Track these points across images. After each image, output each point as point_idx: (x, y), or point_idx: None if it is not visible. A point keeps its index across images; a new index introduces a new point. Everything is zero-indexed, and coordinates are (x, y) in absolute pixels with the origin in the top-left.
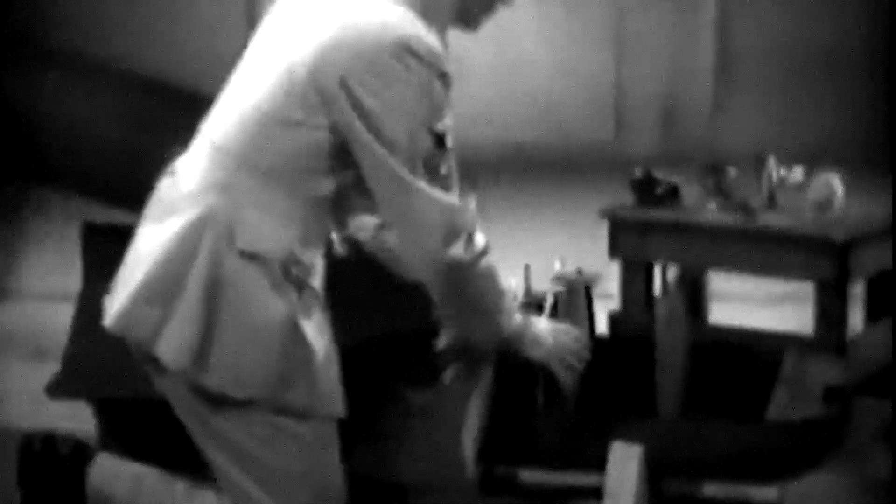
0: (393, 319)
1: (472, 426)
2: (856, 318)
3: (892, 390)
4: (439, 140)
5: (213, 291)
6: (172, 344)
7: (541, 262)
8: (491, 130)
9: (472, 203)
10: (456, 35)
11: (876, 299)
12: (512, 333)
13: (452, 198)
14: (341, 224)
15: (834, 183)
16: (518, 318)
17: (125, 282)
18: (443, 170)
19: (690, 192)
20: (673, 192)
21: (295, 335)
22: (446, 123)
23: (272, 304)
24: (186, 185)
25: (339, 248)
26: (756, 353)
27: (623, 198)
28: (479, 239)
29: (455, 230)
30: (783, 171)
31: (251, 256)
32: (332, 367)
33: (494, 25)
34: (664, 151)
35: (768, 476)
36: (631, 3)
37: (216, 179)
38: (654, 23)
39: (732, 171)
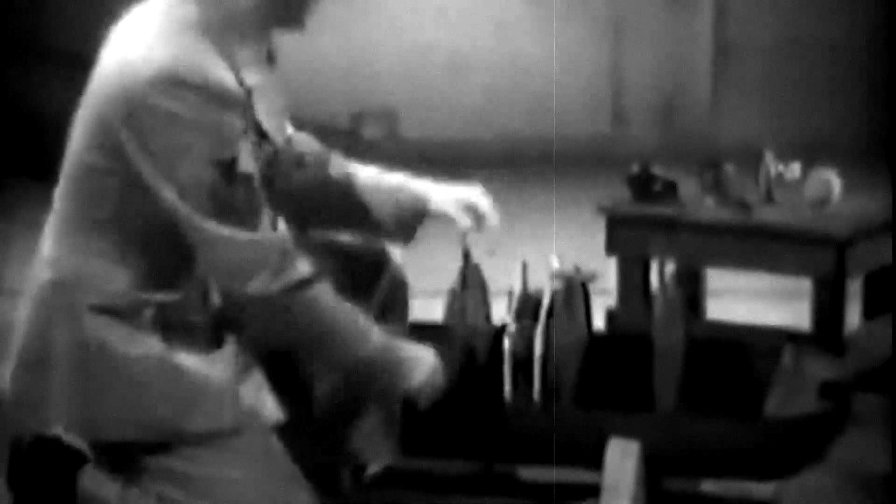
0: None
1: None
2: (853, 315)
3: (890, 386)
4: (227, 170)
5: (80, 353)
6: (60, 410)
7: (538, 259)
8: (488, 125)
9: (283, 229)
10: (454, 30)
11: (874, 295)
12: (368, 362)
13: (246, 234)
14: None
15: (832, 179)
16: (378, 342)
17: (11, 355)
18: (238, 201)
19: (688, 188)
20: (671, 189)
21: (172, 371)
22: (236, 150)
23: (138, 351)
24: (42, 254)
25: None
26: (753, 349)
27: (621, 193)
28: (296, 268)
29: (252, 266)
30: (781, 167)
31: (103, 309)
32: (249, 382)
33: (491, 20)
34: (662, 146)
35: (766, 472)
36: None
37: (59, 240)
38: (652, 18)
39: (730, 168)
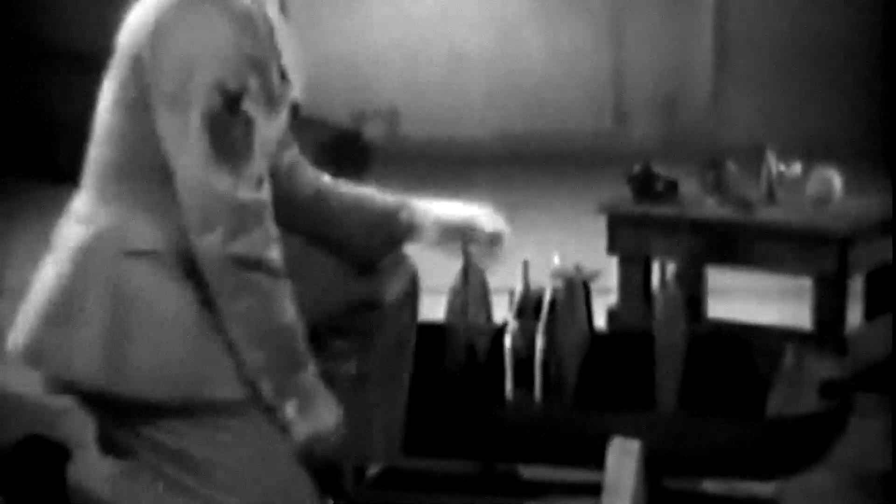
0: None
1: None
2: (855, 313)
3: (891, 385)
4: (232, 101)
5: (116, 302)
6: (81, 363)
7: (539, 257)
8: (489, 123)
9: (265, 194)
10: (454, 26)
11: (875, 294)
12: (288, 390)
13: (227, 180)
14: None
15: (833, 177)
16: (311, 376)
17: (27, 314)
18: (234, 135)
19: (689, 187)
20: (672, 188)
21: (202, 326)
22: (245, 85)
23: (172, 299)
24: (78, 210)
25: None
26: (755, 348)
27: (622, 192)
28: (257, 244)
29: (215, 217)
30: (782, 166)
31: (144, 256)
32: None
33: (493, 17)
34: (663, 144)
35: (767, 471)
36: None
37: (97, 196)
38: (653, 15)
39: (731, 166)
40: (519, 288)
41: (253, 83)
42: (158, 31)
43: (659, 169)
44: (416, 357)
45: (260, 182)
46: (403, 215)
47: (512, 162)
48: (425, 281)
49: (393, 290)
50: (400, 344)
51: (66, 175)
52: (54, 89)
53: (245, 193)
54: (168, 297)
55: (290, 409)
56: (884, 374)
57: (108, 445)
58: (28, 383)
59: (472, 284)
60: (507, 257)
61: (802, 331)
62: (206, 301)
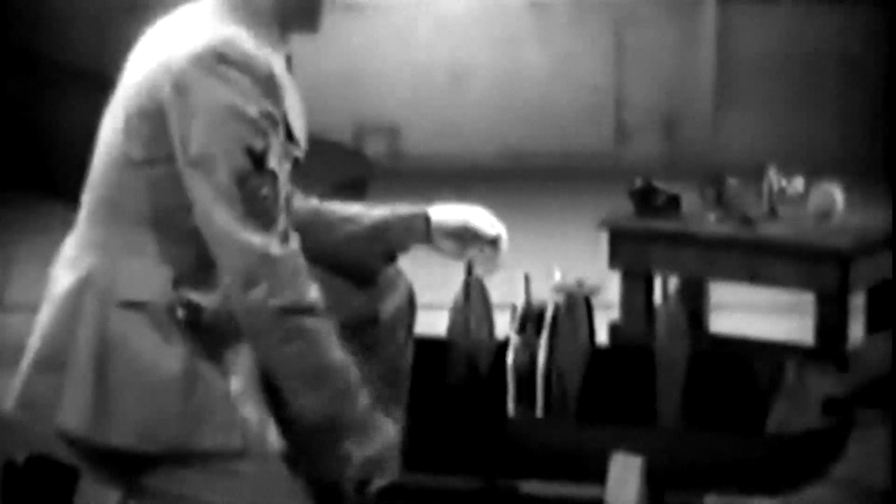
0: None
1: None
2: (856, 329)
3: (891, 401)
4: (258, 160)
5: (102, 350)
6: (70, 411)
7: (541, 272)
8: (490, 139)
9: (295, 244)
10: (456, 43)
11: (876, 310)
12: (344, 424)
13: (260, 237)
14: None
15: (834, 193)
16: (363, 406)
17: (23, 361)
18: (263, 193)
19: (691, 203)
20: (673, 203)
21: (191, 380)
22: (267, 143)
23: (164, 354)
24: (67, 252)
25: None
26: (756, 363)
27: (623, 207)
28: (301, 291)
29: (256, 274)
30: (783, 182)
31: (133, 306)
32: (254, 403)
33: (494, 34)
34: (664, 161)
35: (768, 487)
36: (631, 13)
37: (91, 238)
38: (654, 33)
39: (733, 182)
40: (520, 303)
41: (274, 140)
42: (181, 90)
43: (660, 184)
44: (417, 372)
45: (288, 233)
46: (401, 221)
47: (513, 178)
48: (426, 296)
49: (390, 305)
50: (397, 359)
51: (66, 191)
52: (56, 105)
53: (281, 248)
54: (156, 349)
55: (348, 444)
56: (884, 390)
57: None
58: None
59: (474, 299)
60: (509, 272)
61: (804, 346)
62: (195, 352)
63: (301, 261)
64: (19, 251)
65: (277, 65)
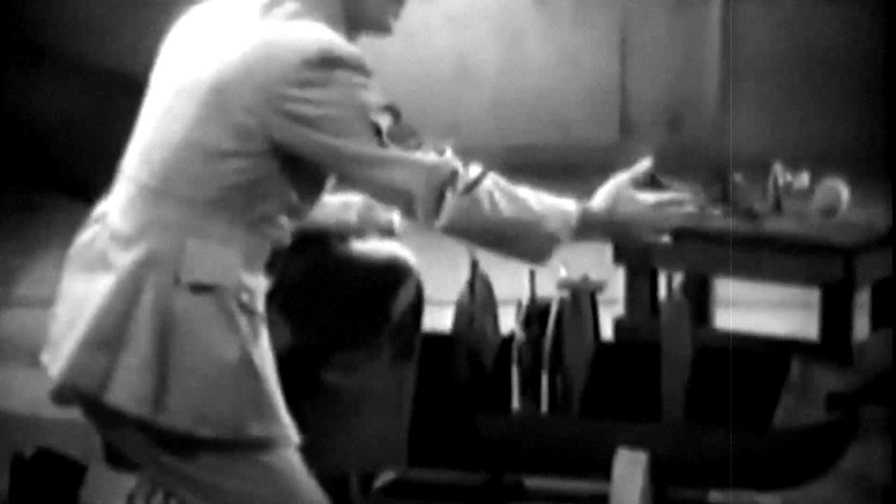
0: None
1: (406, 409)
2: (862, 325)
3: (893, 397)
4: (395, 113)
5: (164, 332)
6: (126, 390)
7: (545, 267)
8: (495, 133)
9: (448, 151)
10: (461, 38)
11: (881, 305)
12: (578, 233)
13: (427, 156)
14: (276, 242)
15: (840, 188)
16: (575, 214)
17: (65, 334)
18: (406, 134)
19: (696, 198)
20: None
21: (248, 367)
22: (381, 97)
23: (227, 338)
24: (120, 229)
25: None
26: (762, 359)
27: None
28: (471, 172)
29: (439, 186)
30: (789, 177)
31: (202, 289)
32: (279, 394)
33: (500, 29)
34: (670, 156)
35: (773, 483)
36: (637, 7)
37: (153, 218)
38: (659, 27)
39: (738, 177)
40: (525, 299)
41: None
42: (302, 87)
43: (665, 179)
44: (422, 367)
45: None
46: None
47: (518, 173)
48: (432, 292)
49: (399, 305)
50: (404, 354)
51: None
52: (61, 100)
53: (441, 157)
54: (219, 333)
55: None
56: (888, 386)
57: (116, 462)
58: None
59: (479, 295)
60: (514, 268)
61: (809, 341)
62: (249, 339)
63: (455, 158)
64: (29, 247)
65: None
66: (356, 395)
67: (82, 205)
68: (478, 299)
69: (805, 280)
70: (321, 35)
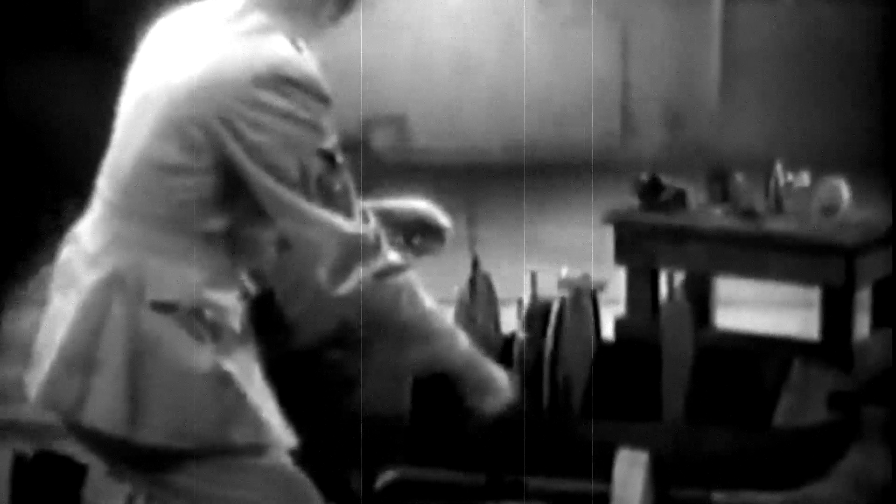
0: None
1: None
2: (863, 324)
3: (892, 396)
4: (330, 159)
5: (133, 351)
6: (101, 410)
7: (547, 267)
8: (497, 133)
9: (373, 221)
10: (462, 37)
11: (881, 305)
12: (458, 367)
13: (349, 223)
14: (254, 257)
15: (840, 188)
16: (465, 349)
17: (42, 355)
18: (337, 187)
19: (697, 197)
20: (679, 198)
21: (221, 378)
22: (333, 141)
23: (194, 351)
24: (89, 247)
25: (248, 284)
26: (762, 358)
27: (629, 202)
28: (389, 258)
29: (352, 256)
30: (789, 176)
31: (165, 307)
32: (269, 400)
33: (501, 27)
34: (670, 155)
35: (774, 482)
36: (637, 7)
37: (116, 236)
38: (660, 27)
39: (739, 177)
40: (527, 298)
41: (335, 135)
42: (237, 109)
43: (666, 179)
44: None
45: (366, 212)
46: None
47: (519, 171)
48: (432, 291)
49: None
50: (396, 352)
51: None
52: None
53: (365, 227)
54: (187, 347)
55: (467, 391)
56: (888, 385)
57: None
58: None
59: (480, 294)
60: (516, 267)
61: (810, 341)
62: (221, 351)
63: (381, 231)
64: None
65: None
66: (345, 392)
67: (84, 204)
68: (479, 298)
69: (806, 279)
70: (277, 52)
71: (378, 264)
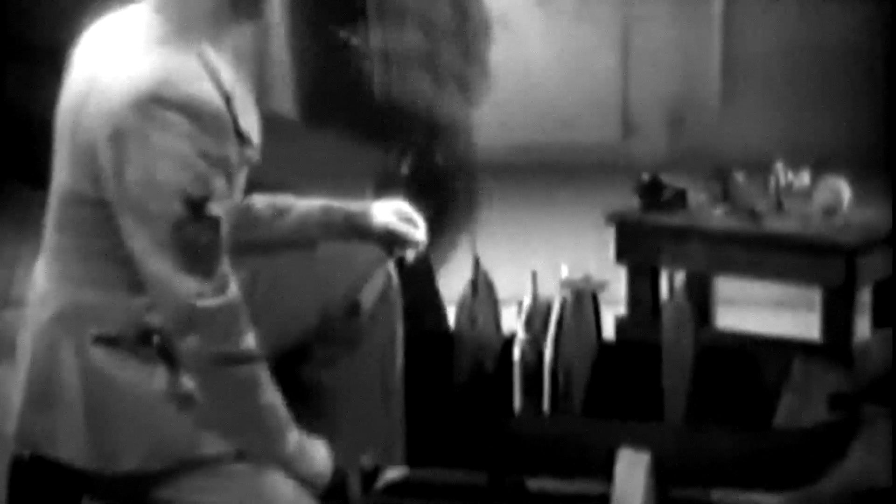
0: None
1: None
2: (863, 324)
3: (893, 397)
4: (196, 208)
5: (88, 384)
6: (71, 446)
7: (547, 268)
8: (497, 133)
9: (232, 293)
10: None
11: (882, 305)
12: (282, 459)
13: (197, 288)
14: None
15: (841, 187)
16: (293, 442)
17: (12, 392)
18: (202, 241)
19: (697, 197)
20: (680, 197)
21: (179, 396)
22: (210, 189)
23: (146, 374)
24: (38, 286)
25: None
26: (763, 358)
27: (630, 202)
28: (235, 342)
29: (190, 325)
30: (790, 176)
31: (108, 341)
32: None
33: (500, 26)
34: (671, 155)
35: (775, 482)
36: (638, 6)
37: (58, 271)
38: (661, 27)
39: (739, 176)
40: (527, 298)
41: (219, 183)
42: (117, 136)
43: (667, 178)
44: (424, 367)
45: (226, 280)
46: (322, 215)
47: (519, 172)
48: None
49: (369, 294)
50: (383, 350)
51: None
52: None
53: (215, 298)
54: (139, 373)
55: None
56: (889, 386)
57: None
58: None
59: (481, 294)
60: (516, 267)
61: (810, 341)
62: (177, 369)
63: (238, 308)
64: (27, 246)
65: (224, 73)
66: (339, 390)
67: None
68: (480, 298)
69: (806, 279)
70: (153, 71)
71: (222, 347)
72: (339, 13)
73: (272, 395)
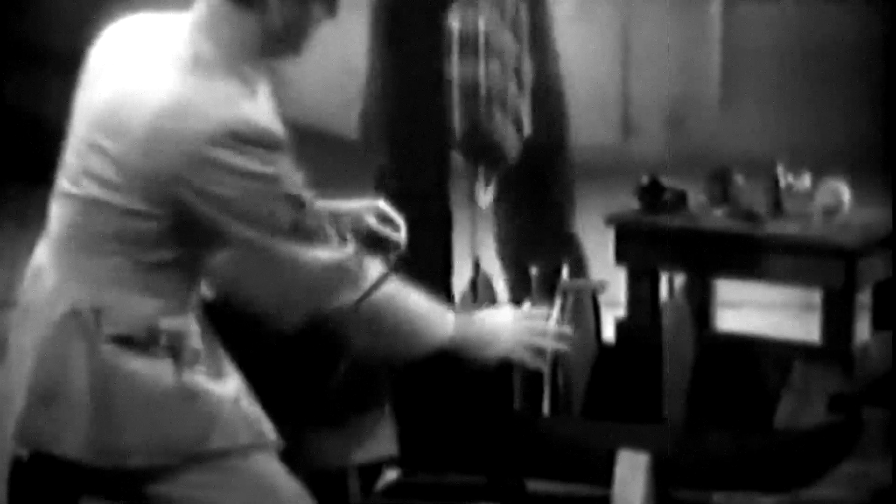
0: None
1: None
2: (863, 326)
3: (893, 399)
4: (296, 201)
5: (98, 382)
6: (78, 442)
7: (548, 268)
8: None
9: (351, 243)
10: None
11: (882, 307)
12: (451, 341)
13: (326, 251)
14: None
15: (841, 189)
16: (452, 322)
17: (14, 389)
18: (311, 224)
19: (697, 199)
20: (680, 199)
21: (188, 388)
22: (296, 182)
23: (155, 371)
24: (47, 283)
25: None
26: (763, 360)
27: (629, 204)
28: (371, 272)
29: (337, 283)
30: (790, 178)
31: (120, 340)
32: (246, 399)
33: None
34: (671, 157)
35: (775, 485)
36: (638, 8)
37: (72, 271)
38: (660, 28)
39: (739, 178)
40: (527, 299)
41: (297, 176)
42: (194, 166)
43: (667, 180)
44: (424, 368)
45: (345, 236)
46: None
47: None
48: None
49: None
50: (376, 349)
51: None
52: (57, 95)
53: (342, 252)
54: (148, 369)
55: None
56: (889, 388)
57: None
58: None
59: (481, 296)
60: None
61: (811, 343)
62: (181, 373)
63: (361, 252)
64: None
65: (262, 90)
66: (329, 389)
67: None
68: (480, 299)
69: (806, 281)
70: (225, 107)
71: (363, 285)
72: (431, 45)
73: (414, 294)
